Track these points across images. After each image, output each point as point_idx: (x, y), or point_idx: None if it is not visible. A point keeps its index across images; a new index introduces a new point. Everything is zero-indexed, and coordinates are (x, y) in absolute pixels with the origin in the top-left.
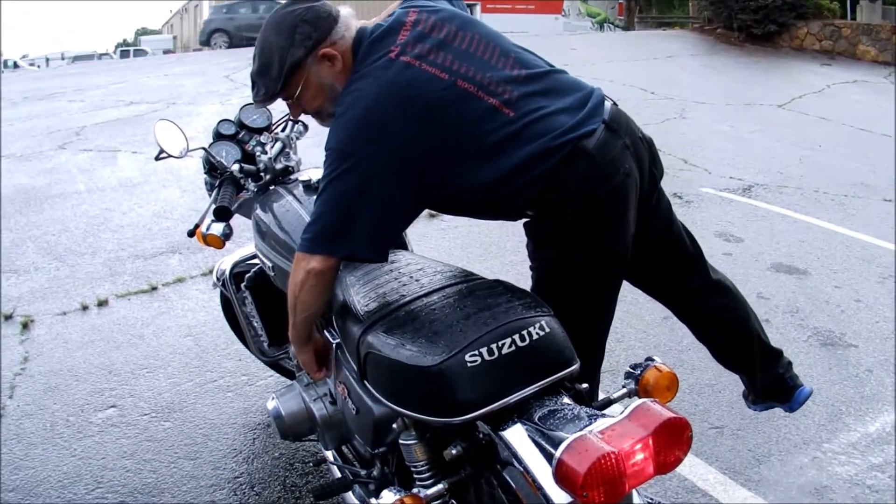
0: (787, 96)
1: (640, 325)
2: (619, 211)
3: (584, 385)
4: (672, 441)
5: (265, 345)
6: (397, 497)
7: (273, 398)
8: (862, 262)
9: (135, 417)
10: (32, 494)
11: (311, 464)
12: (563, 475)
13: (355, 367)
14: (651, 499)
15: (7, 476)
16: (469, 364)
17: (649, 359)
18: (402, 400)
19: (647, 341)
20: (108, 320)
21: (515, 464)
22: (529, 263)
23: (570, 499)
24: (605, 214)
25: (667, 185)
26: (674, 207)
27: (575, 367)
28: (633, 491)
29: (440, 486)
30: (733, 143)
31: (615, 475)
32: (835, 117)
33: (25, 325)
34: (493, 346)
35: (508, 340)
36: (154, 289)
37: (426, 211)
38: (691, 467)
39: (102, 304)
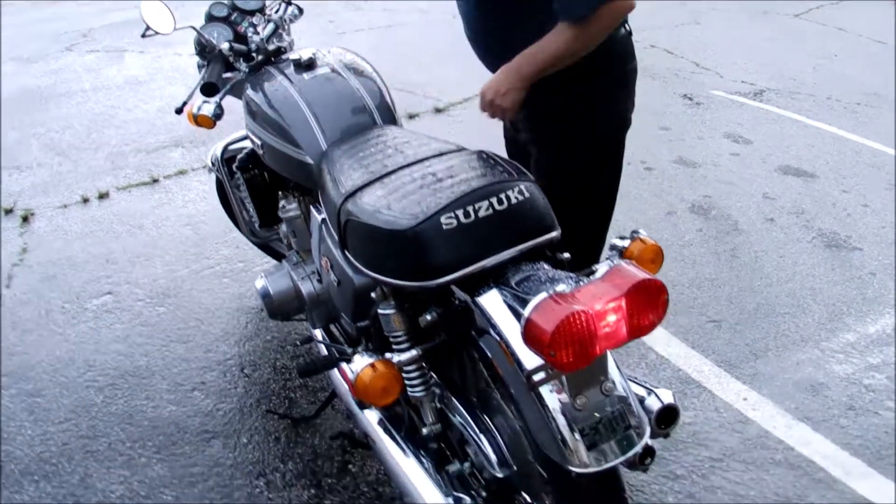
0: (804, 6)
1: (643, 219)
2: (633, 88)
3: (566, 255)
4: (647, 303)
5: (256, 226)
6: (368, 361)
7: (262, 277)
8: (871, 168)
9: (129, 303)
10: (24, 379)
11: (299, 343)
12: (531, 335)
13: (336, 237)
14: (635, 378)
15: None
16: (445, 226)
17: (635, 231)
18: (380, 266)
19: (650, 235)
20: (108, 212)
21: (491, 332)
22: (524, 136)
23: (541, 362)
24: (626, 86)
25: (678, 86)
26: (684, 109)
27: (555, 234)
28: (611, 360)
29: (413, 352)
30: (747, 49)
31: (585, 335)
32: (852, 29)
33: (25, 219)
34: (470, 208)
35: (486, 203)
36: (155, 181)
37: (432, 104)
38: (686, 359)
39: (103, 196)
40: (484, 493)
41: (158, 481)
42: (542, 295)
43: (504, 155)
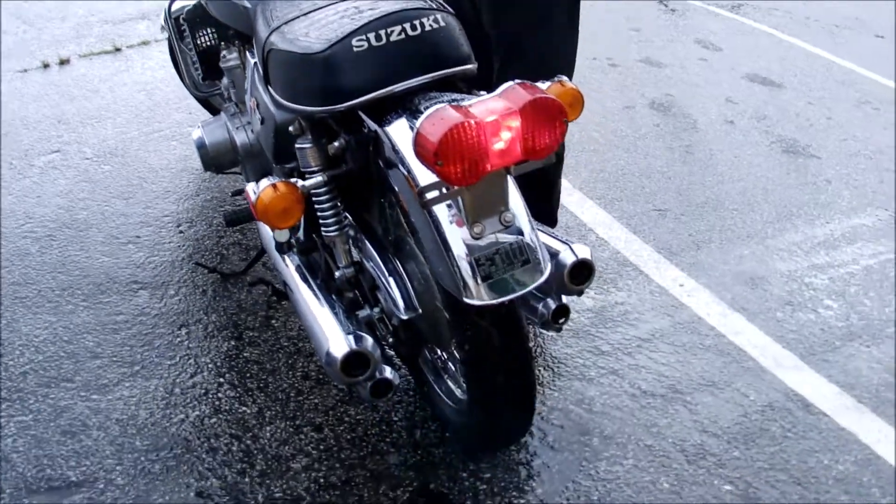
0: None
1: (601, 110)
2: None
3: (483, 92)
4: (544, 124)
5: (199, 79)
6: (270, 182)
7: (198, 127)
8: (842, 85)
9: (76, 161)
10: None
11: (230, 195)
12: (420, 146)
13: (261, 73)
14: (552, 232)
15: None
16: (355, 49)
17: (557, 76)
18: (295, 94)
19: (605, 126)
20: (66, 77)
21: (398, 164)
22: None
23: (435, 179)
24: None
25: None
26: (658, 14)
27: (471, 66)
28: (514, 193)
29: (318, 177)
30: None
31: (474, 147)
32: None
33: None
34: (382, 32)
35: (398, 28)
36: (118, 50)
37: None
38: (627, 243)
39: (64, 62)
40: (391, 339)
41: (82, 327)
42: (435, 107)
43: None
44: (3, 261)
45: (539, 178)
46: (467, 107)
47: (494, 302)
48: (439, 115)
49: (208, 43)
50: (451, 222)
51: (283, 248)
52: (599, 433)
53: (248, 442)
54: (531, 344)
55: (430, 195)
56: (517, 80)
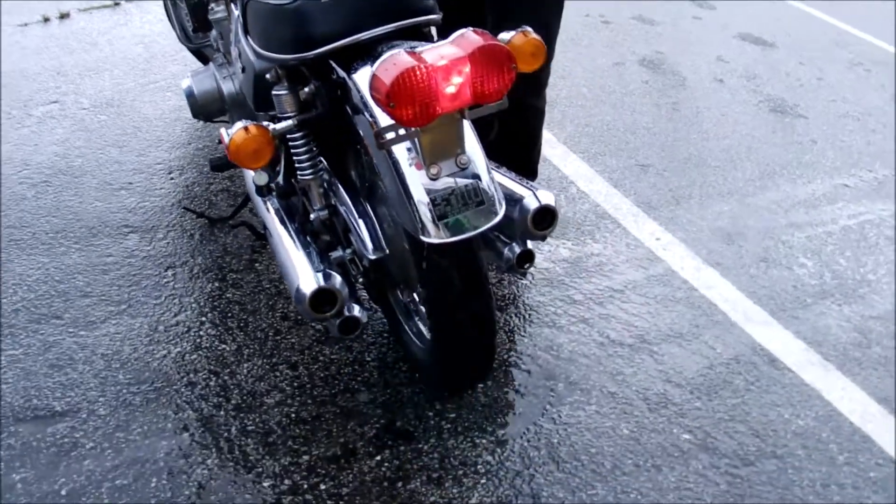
0: None
1: (590, 66)
2: None
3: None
4: (493, 69)
5: (190, 30)
6: (242, 126)
7: (188, 77)
8: (835, 46)
9: (73, 111)
10: None
11: (217, 143)
12: (375, 90)
13: (242, 24)
14: (518, 178)
15: None
16: None
17: (523, 27)
18: (271, 43)
19: (593, 82)
20: (66, 30)
21: (363, 110)
22: None
23: (391, 121)
24: None
25: None
26: None
27: (436, 16)
28: (471, 136)
29: (289, 122)
30: None
31: (424, 91)
32: None
33: None
34: None
35: None
36: (117, 4)
37: None
38: (607, 196)
39: (64, 16)
40: (361, 280)
41: (74, 268)
42: (389, 52)
43: None
44: (1, 205)
45: (519, 130)
46: (420, 52)
47: (449, 240)
48: (393, 60)
49: None
50: (410, 165)
51: (262, 192)
52: (565, 379)
53: (226, 378)
54: (490, 286)
55: (388, 136)
56: (470, 28)
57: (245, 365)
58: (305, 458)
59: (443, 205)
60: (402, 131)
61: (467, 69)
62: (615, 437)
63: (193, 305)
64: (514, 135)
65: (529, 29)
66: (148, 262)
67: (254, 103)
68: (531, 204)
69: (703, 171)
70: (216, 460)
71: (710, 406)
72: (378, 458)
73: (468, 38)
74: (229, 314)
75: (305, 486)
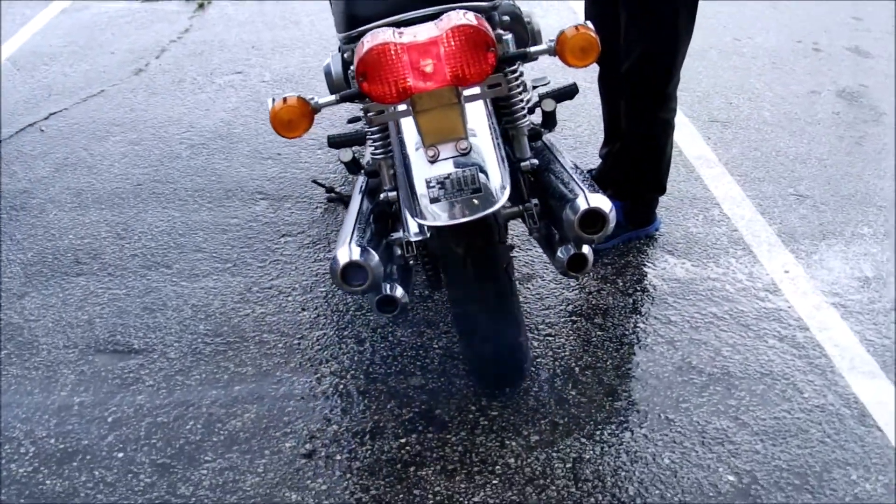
0: None
1: (782, 92)
2: None
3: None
4: (470, 51)
5: None
6: (286, 96)
7: (329, 56)
8: None
9: (253, 83)
10: (131, 130)
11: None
12: (354, 66)
13: None
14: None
15: (122, 114)
16: None
17: (582, 22)
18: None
19: (779, 107)
20: (276, 7)
21: None
22: None
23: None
24: None
25: None
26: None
27: (482, 3)
28: (481, 126)
29: (332, 97)
30: None
31: (389, 68)
32: None
33: (201, 6)
34: None
35: None
36: None
37: None
38: (749, 222)
39: None
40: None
41: (198, 225)
42: (376, 31)
43: None
44: (155, 160)
45: (645, 142)
46: (401, 31)
47: (437, 223)
48: (370, 38)
49: None
50: (416, 148)
51: (351, 168)
52: (626, 397)
53: (294, 342)
54: (513, 283)
55: (371, 112)
56: (461, 9)
57: (316, 333)
58: (334, 427)
59: (437, 188)
60: (391, 109)
61: (440, 49)
62: (652, 465)
63: (292, 272)
64: (640, 147)
65: (588, 24)
66: (267, 227)
67: (344, 80)
68: (580, 205)
69: (864, 209)
70: (252, 416)
71: (770, 451)
72: (402, 440)
73: (450, 18)
74: (321, 284)
75: (323, 455)
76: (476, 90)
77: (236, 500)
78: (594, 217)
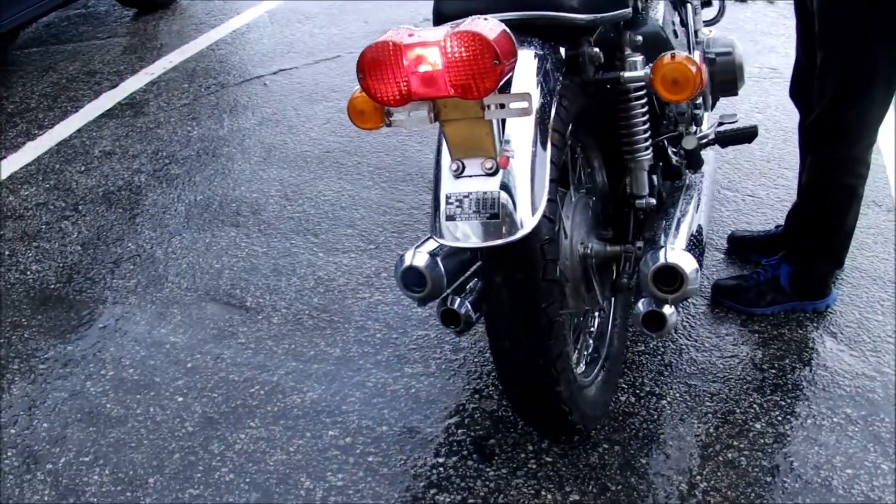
0: None
1: None
2: None
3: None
4: (470, 61)
5: None
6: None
7: None
8: None
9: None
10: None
11: None
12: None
13: None
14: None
15: (345, 82)
16: None
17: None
18: None
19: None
20: None
21: None
22: None
23: None
24: None
25: None
26: None
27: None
28: (516, 148)
29: None
30: None
31: (383, 67)
32: None
33: None
34: None
35: None
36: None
37: None
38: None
39: None
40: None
41: (362, 202)
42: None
43: None
44: (353, 131)
45: (823, 209)
46: (413, 33)
47: (446, 242)
48: (382, 35)
49: None
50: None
51: None
52: (688, 480)
53: (394, 335)
54: (559, 327)
55: (391, 116)
56: (481, 15)
57: (418, 332)
58: (383, 428)
59: (454, 205)
60: (410, 113)
61: (435, 54)
62: None
63: None
64: (814, 211)
65: (688, 55)
66: (427, 217)
67: None
68: (657, 259)
69: None
70: (314, 396)
71: None
72: (440, 459)
73: (456, 24)
74: None
75: (357, 452)
76: (522, 104)
77: (255, 470)
78: (672, 274)
